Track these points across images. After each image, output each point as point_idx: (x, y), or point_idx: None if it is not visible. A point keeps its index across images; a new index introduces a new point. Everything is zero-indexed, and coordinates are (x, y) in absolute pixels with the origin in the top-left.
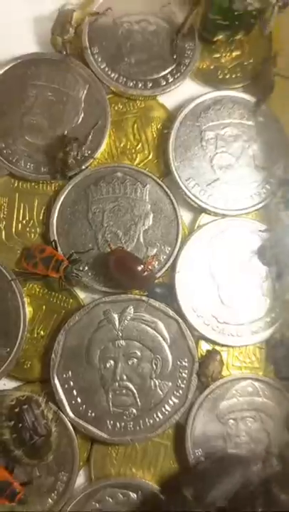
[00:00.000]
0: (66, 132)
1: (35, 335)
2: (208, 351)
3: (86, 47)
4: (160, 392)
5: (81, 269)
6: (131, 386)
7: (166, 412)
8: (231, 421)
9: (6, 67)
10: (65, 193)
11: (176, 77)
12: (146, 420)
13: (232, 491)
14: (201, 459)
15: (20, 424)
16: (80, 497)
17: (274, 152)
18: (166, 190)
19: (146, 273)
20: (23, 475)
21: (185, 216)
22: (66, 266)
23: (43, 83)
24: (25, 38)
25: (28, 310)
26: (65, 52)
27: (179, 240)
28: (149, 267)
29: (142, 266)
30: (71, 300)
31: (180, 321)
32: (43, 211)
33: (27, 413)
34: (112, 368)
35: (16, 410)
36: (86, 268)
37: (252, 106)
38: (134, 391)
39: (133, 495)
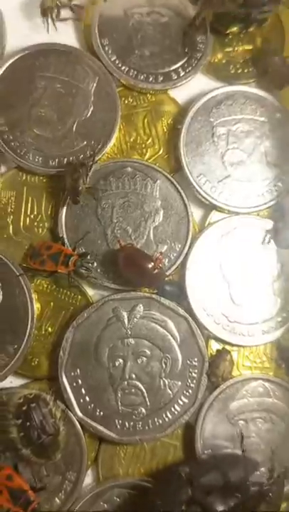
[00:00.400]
0: (72, 159)
1: (43, 332)
2: (218, 351)
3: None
4: (169, 392)
5: (90, 264)
6: (140, 385)
7: (176, 412)
8: (241, 422)
9: (14, 58)
10: None
11: (187, 71)
12: (156, 420)
13: (223, 484)
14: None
15: (28, 423)
16: (87, 497)
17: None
18: (177, 186)
19: (156, 271)
20: (31, 474)
21: (195, 213)
22: (76, 259)
23: (51, 75)
24: (33, 28)
25: (36, 306)
26: (50, 17)
27: (190, 237)
28: (160, 264)
29: (152, 263)
30: (79, 297)
31: (190, 319)
32: (51, 206)
33: (35, 411)
34: (121, 367)
35: (24, 408)
36: (95, 264)
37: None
38: (144, 390)
39: None
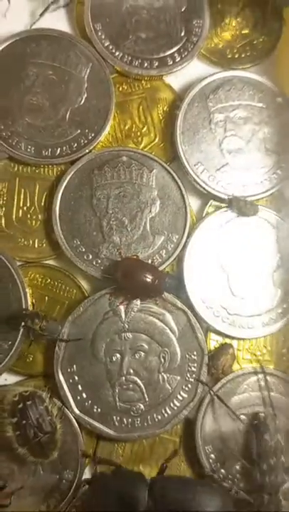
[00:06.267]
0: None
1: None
2: (220, 344)
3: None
4: (168, 387)
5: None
6: (138, 380)
7: (175, 408)
8: (242, 416)
9: (5, 44)
10: (68, 177)
11: (183, 56)
12: (154, 416)
13: None
14: None
15: (24, 421)
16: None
17: None
18: (174, 175)
19: (156, 281)
20: (27, 474)
21: (193, 203)
22: None
23: (43, 61)
24: (24, 14)
25: (30, 301)
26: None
27: (187, 227)
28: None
29: (152, 275)
30: (75, 291)
31: (189, 312)
32: (44, 197)
33: (31, 409)
34: (119, 362)
35: (20, 406)
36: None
37: None
38: (142, 386)
39: None
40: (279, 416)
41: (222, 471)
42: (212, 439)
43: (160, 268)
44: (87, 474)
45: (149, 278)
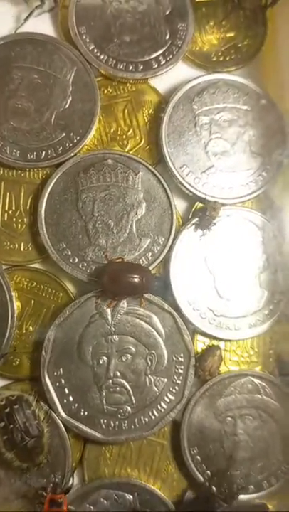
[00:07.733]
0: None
1: (24, 331)
2: (207, 346)
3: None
4: (155, 389)
5: None
6: (125, 383)
7: (162, 410)
8: (229, 419)
9: None
10: (54, 181)
11: (168, 59)
12: (142, 418)
13: None
14: None
15: (11, 425)
16: (72, 499)
17: (274, 138)
18: (160, 177)
19: (144, 279)
20: (14, 478)
21: (179, 205)
22: None
23: (28, 65)
24: (8, 17)
25: (16, 304)
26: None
27: (173, 230)
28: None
29: (139, 276)
30: (61, 294)
31: (175, 314)
32: (30, 200)
33: (18, 413)
34: (105, 365)
35: (7, 411)
36: None
37: None
38: (129, 388)
39: (129, 496)
40: (266, 418)
41: (208, 472)
42: (198, 441)
43: None
44: (75, 478)
45: (136, 278)
